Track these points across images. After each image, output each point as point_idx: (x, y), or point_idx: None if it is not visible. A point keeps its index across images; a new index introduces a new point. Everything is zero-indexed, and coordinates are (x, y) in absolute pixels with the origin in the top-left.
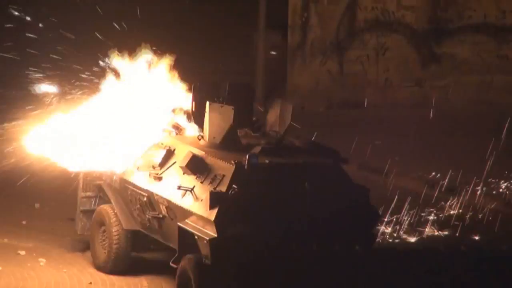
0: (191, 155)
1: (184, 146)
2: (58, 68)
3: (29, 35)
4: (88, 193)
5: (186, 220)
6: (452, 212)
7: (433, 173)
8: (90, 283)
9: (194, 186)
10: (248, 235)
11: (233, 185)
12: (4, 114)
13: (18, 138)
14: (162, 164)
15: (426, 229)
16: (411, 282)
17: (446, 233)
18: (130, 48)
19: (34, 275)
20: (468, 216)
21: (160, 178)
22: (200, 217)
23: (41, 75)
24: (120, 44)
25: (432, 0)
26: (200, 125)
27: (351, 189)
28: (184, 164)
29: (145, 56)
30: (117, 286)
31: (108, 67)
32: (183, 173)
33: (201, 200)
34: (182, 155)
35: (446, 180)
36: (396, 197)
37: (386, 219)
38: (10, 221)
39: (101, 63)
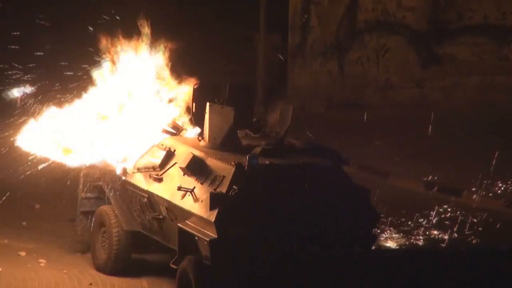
0: (191, 156)
1: (184, 147)
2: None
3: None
4: (89, 194)
5: (186, 221)
6: (452, 213)
7: (433, 174)
8: (91, 284)
9: (194, 187)
10: (248, 236)
11: (233, 186)
12: None
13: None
14: (162, 165)
15: (426, 230)
16: (411, 283)
17: (446, 234)
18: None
19: (35, 276)
20: (468, 217)
21: (160, 179)
22: (200, 218)
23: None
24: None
25: (432, 1)
26: (200, 126)
27: (351, 190)
28: (184, 165)
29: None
30: (117, 287)
31: (102, 57)
32: (183, 174)
33: (201, 201)
34: (182, 156)
35: (446, 181)
36: (396, 198)
37: (386, 220)
38: (11, 222)
39: (96, 58)
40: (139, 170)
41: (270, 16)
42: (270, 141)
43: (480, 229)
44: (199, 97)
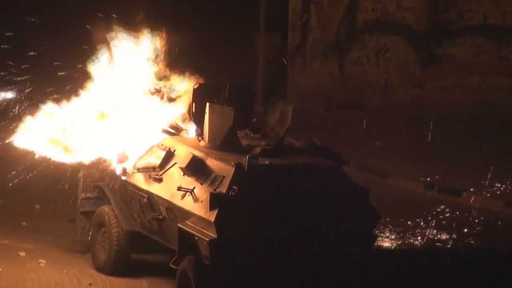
0: (191, 156)
1: (184, 147)
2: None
3: None
4: (88, 194)
5: (186, 221)
6: (451, 213)
7: (433, 174)
8: (90, 284)
9: (194, 187)
10: (248, 236)
11: (233, 186)
12: None
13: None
14: (162, 165)
15: (426, 230)
16: (411, 283)
17: (445, 234)
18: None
19: (34, 276)
20: (467, 217)
21: (160, 179)
22: (200, 218)
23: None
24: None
25: (432, 1)
26: (200, 126)
27: (351, 190)
28: (184, 165)
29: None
30: (117, 287)
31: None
32: (183, 174)
33: (201, 201)
34: (182, 157)
35: (446, 181)
36: (396, 198)
37: (386, 220)
38: (11, 222)
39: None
40: (139, 170)
41: (270, 16)
42: (270, 141)
43: (479, 229)
44: (199, 97)
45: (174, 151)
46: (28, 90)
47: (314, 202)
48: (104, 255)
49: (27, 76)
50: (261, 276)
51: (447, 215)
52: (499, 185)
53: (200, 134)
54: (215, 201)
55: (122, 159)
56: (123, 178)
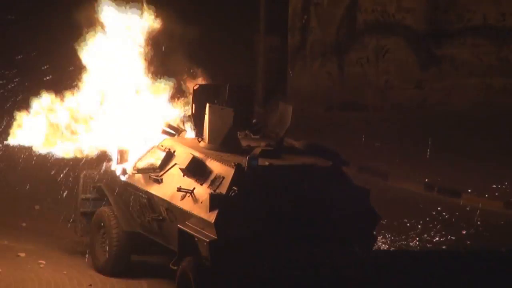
0: (191, 157)
1: (184, 148)
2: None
3: None
4: (88, 195)
5: (186, 222)
6: (451, 214)
7: (433, 175)
8: (90, 285)
9: (194, 188)
10: (248, 237)
11: (233, 187)
12: None
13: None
14: (162, 166)
15: (426, 231)
16: (411, 283)
17: (445, 234)
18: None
19: (34, 277)
20: (467, 217)
21: (160, 180)
22: (200, 219)
23: None
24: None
25: (432, 2)
26: (200, 127)
27: (351, 190)
28: (184, 166)
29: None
30: None
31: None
32: (183, 175)
33: (201, 202)
34: (182, 157)
35: (446, 182)
36: (396, 199)
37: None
38: (10, 223)
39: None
40: (139, 171)
41: (270, 17)
42: (270, 142)
43: (479, 230)
44: (199, 98)
45: (174, 152)
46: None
47: (314, 202)
48: (104, 256)
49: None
50: (261, 276)
51: (447, 216)
52: (499, 186)
53: (200, 135)
54: (215, 202)
55: (122, 158)
56: (123, 178)
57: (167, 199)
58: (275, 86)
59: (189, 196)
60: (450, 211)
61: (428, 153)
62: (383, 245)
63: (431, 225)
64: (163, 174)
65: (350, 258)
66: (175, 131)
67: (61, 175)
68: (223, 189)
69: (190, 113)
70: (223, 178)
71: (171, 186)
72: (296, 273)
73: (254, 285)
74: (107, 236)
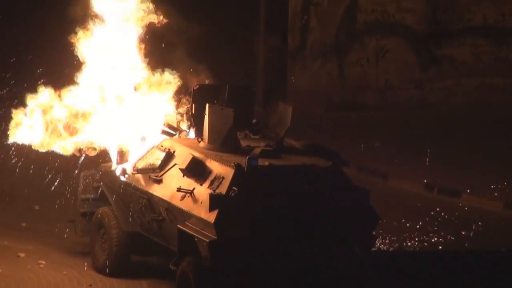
0: (191, 157)
1: (184, 148)
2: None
3: None
4: (88, 195)
5: (186, 222)
6: (451, 214)
7: (433, 176)
8: (90, 285)
9: (194, 189)
10: (248, 237)
11: (233, 188)
12: None
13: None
14: (162, 166)
15: (426, 232)
16: (410, 284)
17: (445, 235)
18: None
19: (34, 277)
20: (467, 218)
21: (160, 180)
22: (200, 219)
23: None
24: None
25: (432, 2)
26: (200, 127)
27: (351, 191)
28: (184, 167)
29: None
30: None
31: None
32: (183, 176)
33: (201, 202)
34: (182, 158)
35: (446, 183)
36: (396, 199)
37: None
38: (10, 223)
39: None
40: (138, 171)
41: (270, 17)
42: (270, 142)
43: (479, 230)
44: (199, 98)
45: (174, 152)
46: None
47: (313, 203)
48: (104, 256)
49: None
50: (261, 277)
51: (447, 216)
52: (499, 186)
53: (199, 135)
54: (215, 202)
55: (122, 158)
56: (123, 179)
57: (167, 199)
58: (275, 86)
59: (189, 196)
60: (449, 212)
61: (428, 153)
62: (383, 245)
63: (430, 225)
64: (163, 174)
65: (350, 258)
66: (174, 131)
67: (59, 177)
68: (223, 189)
69: (184, 109)
70: (223, 178)
71: (171, 186)
72: (296, 273)
73: (254, 285)
74: (107, 236)
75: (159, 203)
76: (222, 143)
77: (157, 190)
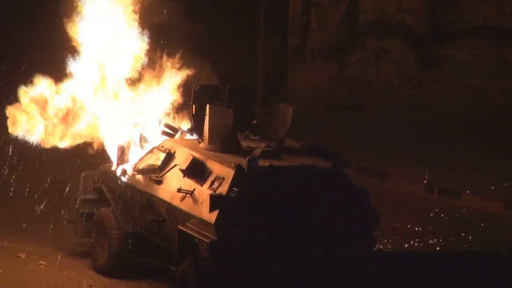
0: (191, 158)
1: (184, 149)
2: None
3: None
4: (88, 196)
5: (186, 223)
6: (451, 215)
7: (433, 176)
8: (90, 286)
9: (194, 189)
10: (248, 238)
11: (233, 188)
12: None
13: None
14: (162, 167)
15: (426, 232)
16: (411, 284)
17: (445, 236)
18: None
19: (34, 278)
20: (467, 219)
21: (160, 181)
22: (200, 220)
23: None
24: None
25: (432, 3)
26: (201, 128)
27: (352, 191)
28: (184, 167)
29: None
30: None
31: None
32: (183, 176)
33: (201, 203)
34: (182, 158)
35: (446, 184)
36: (396, 200)
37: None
38: (10, 224)
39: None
40: (139, 172)
41: (270, 18)
42: (270, 143)
43: (479, 231)
44: (199, 99)
45: (174, 152)
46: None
47: (314, 204)
48: (104, 257)
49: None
50: (261, 278)
51: (447, 217)
52: (499, 187)
53: (200, 135)
54: (215, 203)
55: (122, 159)
56: (123, 179)
57: (167, 200)
58: (275, 87)
59: (189, 197)
60: (449, 212)
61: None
62: (383, 245)
63: (431, 226)
64: (163, 175)
65: (350, 259)
66: (174, 131)
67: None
68: (223, 190)
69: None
70: (223, 179)
71: (171, 187)
72: (296, 274)
73: (254, 285)
74: (107, 237)
75: (160, 204)
76: (223, 143)
77: (157, 191)
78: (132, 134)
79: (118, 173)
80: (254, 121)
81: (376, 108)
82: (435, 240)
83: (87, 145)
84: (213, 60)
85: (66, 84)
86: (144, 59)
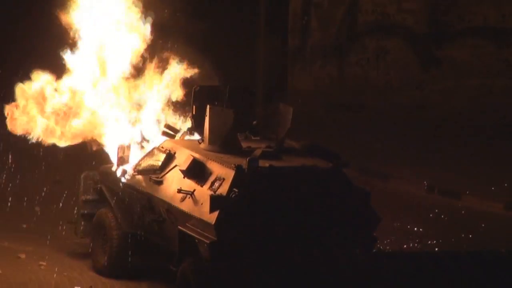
0: (191, 158)
1: (184, 149)
2: None
3: None
4: (89, 197)
5: (187, 224)
6: (451, 215)
7: (433, 177)
8: (91, 286)
9: (194, 190)
10: (248, 238)
11: (234, 189)
12: None
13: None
14: (162, 167)
15: (426, 233)
16: (411, 285)
17: (445, 236)
18: None
19: (35, 279)
20: (467, 219)
21: (160, 182)
22: (200, 221)
23: None
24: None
25: (432, 3)
26: (201, 128)
27: (352, 192)
28: (184, 168)
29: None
30: None
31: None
32: (184, 177)
33: (201, 203)
34: (182, 159)
35: (447, 184)
36: (396, 200)
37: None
38: (11, 225)
39: None
40: (139, 172)
41: (270, 18)
42: (270, 144)
43: (479, 231)
44: (199, 99)
45: (175, 153)
46: None
47: (314, 204)
48: (104, 257)
49: None
50: (261, 278)
51: (447, 217)
52: (499, 187)
53: (200, 136)
54: (215, 203)
55: (122, 159)
56: (124, 180)
57: (168, 201)
58: (276, 87)
59: (189, 198)
60: (450, 213)
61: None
62: (383, 246)
63: (431, 226)
64: (163, 175)
65: (350, 259)
66: (175, 132)
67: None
68: (223, 191)
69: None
70: (224, 179)
71: (172, 188)
72: (296, 275)
73: (254, 286)
74: (108, 238)
75: (160, 204)
76: (223, 144)
77: (157, 191)
78: (132, 134)
79: (118, 173)
80: (254, 122)
81: (376, 108)
82: (435, 240)
83: (87, 143)
84: (213, 60)
85: (64, 81)
86: (143, 58)
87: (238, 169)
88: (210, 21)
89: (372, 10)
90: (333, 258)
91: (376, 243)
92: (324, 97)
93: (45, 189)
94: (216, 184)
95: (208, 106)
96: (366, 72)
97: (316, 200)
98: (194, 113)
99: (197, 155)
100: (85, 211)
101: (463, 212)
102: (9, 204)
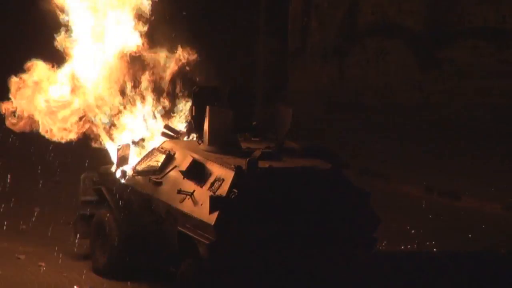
0: (191, 159)
1: (184, 150)
2: None
3: None
4: (88, 197)
5: (186, 224)
6: (451, 216)
7: (433, 178)
8: (91, 287)
9: (194, 191)
10: (248, 239)
11: (233, 190)
12: None
13: None
14: (162, 168)
15: (426, 234)
16: (411, 285)
17: (445, 237)
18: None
19: (34, 280)
20: (467, 220)
21: (160, 183)
22: (200, 222)
23: None
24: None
25: (432, 4)
26: (201, 129)
27: (352, 193)
28: (184, 169)
29: None
30: None
31: None
32: (183, 178)
33: (201, 204)
34: (182, 160)
35: (446, 185)
36: (396, 201)
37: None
38: (10, 225)
39: None
40: (139, 173)
41: (270, 19)
42: (270, 144)
43: (478, 232)
44: (199, 100)
45: (174, 154)
46: None
47: (314, 205)
48: (104, 258)
49: None
50: (261, 279)
51: (446, 218)
52: (498, 188)
53: (200, 137)
54: (215, 204)
55: (122, 160)
56: (123, 181)
57: (167, 202)
58: (276, 87)
59: (189, 199)
60: (449, 214)
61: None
62: (383, 247)
63: (430, 227)
64: (163, 176)
65: (350, 261)
66: (174, 133)
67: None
68: (223, 192)
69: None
70: (223, 180)
71: (171, 189)
72: (295, 276)
73: (254, 287)
74: (107, 239)
75: (159, 205)
76: (222, 145)
77: (157, 192)
78: (132, 135)
79: (118, 174)
80: (254, 122)
81: (376, 109)
82: (434, 241)
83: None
84: (213, 60)
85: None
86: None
87: (237, 170)
88: (210, 22)
89: (372, 11)
90: (333, 258)
91: (376, 243)
92: (324, 98)
93: (44, 189)
94: (216, 185)
95: (208, 107)
96: (366, 73)
97: (316, 200)
98: (193, 114)
99: (196, 156)
100: (85, 212)
101: (462, 213)
102: (11, 204)
